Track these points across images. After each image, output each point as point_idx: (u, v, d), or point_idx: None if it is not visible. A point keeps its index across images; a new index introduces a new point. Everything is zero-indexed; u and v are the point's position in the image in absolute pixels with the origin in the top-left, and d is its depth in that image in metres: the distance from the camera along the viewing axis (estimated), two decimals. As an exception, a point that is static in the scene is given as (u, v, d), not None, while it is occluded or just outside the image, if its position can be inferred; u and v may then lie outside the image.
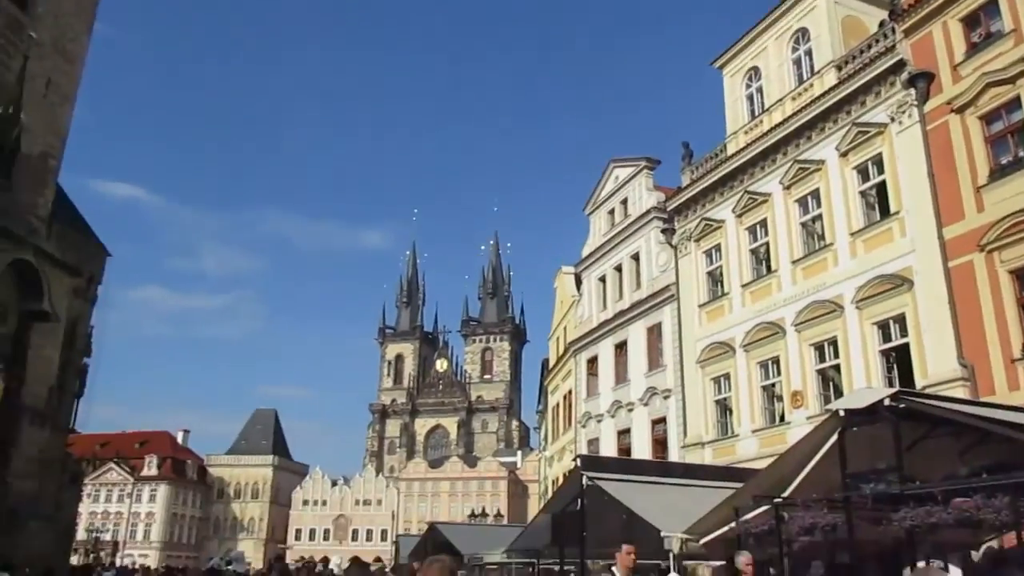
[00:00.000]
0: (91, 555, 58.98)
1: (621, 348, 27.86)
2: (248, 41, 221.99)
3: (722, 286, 22.87)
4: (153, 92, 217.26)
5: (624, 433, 26.88)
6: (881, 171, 17.99)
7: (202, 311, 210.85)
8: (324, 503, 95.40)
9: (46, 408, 27.66)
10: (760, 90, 22.32)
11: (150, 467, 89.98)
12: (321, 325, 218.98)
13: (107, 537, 77.76)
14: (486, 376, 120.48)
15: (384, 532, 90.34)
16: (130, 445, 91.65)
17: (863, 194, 18.53)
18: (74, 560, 42.32)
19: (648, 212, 26.60)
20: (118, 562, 53.90)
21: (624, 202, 28.66)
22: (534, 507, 67.88)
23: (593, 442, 28.54)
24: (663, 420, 24.69)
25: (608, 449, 26.99)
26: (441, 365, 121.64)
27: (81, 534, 56.51)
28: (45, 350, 27.21)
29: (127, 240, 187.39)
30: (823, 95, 19.35)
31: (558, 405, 35.69)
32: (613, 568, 6.99)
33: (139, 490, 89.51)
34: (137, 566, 39.31)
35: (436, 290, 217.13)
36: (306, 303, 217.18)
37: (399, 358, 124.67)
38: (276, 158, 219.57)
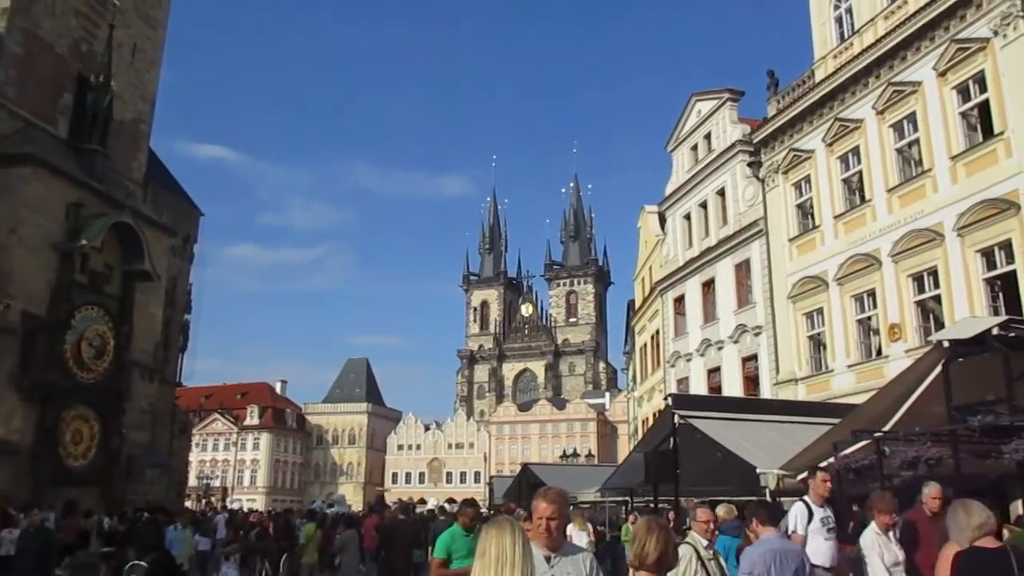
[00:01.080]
0: (202, 500, 62.39)
1: (708, 286, 27.50)
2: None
3: (812, 218, 22.21)
4: (235, 52, 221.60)
5: (714, 372, 26.68)
6: (983, 89, 16.99)
7: (292, 265, 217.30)
8: (418, 447, 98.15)
9: (153, 363, 29.16)
10: (849, 11, 21.26)
11: (252, 417, 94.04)
12: (407, 274, 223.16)
13: (216, 483, 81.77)
14: (571, 319, 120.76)
15: (477, 474, 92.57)
16: (232, 396, 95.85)
17: (964, 115, 17.57)
18: (188, 504, 44.87)
19: (733, 146, 25.91)
20: (228, 506, 56.75)
21: (707, 137, 27.98)
22: (624, 447, 68.30)
23: (683, 381, 28.45)
24: (754, 357, 24.37)
25: (698, 388, 26.86)
26: (526, 310, 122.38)
27: (192, 481, 59.78)
28: (149, 308, 28.56)
29: (219, 200, 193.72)
30: (918, 11, 18.29)
31: (645, 345, 35.60)
32: (805, 497, 6.96)
33: (243, 439, 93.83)
34: (246, 509, 41.32)
35: (518, 235, 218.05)
36: (392, 253, 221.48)
37: (484, 304, 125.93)
38: (358, 111, 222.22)
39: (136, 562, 10.67)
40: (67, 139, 26.23)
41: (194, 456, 64.80)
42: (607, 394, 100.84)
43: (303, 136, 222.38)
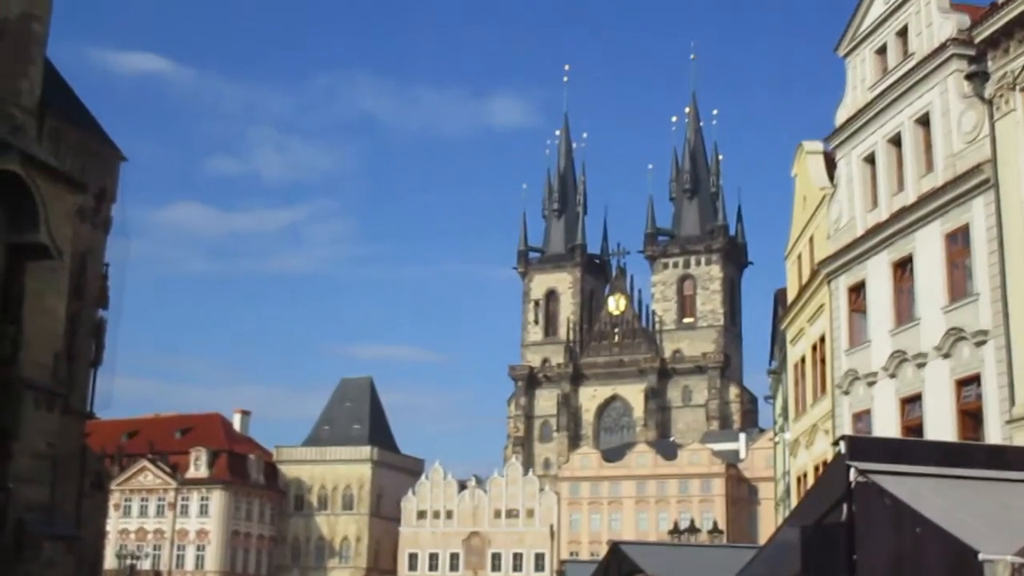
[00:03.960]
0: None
1: (903, 268, 27.16)
2: None
3: (1072, 161, 21.79)
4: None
5: (911, 402, 26.36)
6: None
7: (258, 235, 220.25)
8: (449, 515, 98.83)
9: (53, 383, 29.86)
10: None
11: (198, 466, 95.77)
12: (432, 250, 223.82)
13: (146, 566, 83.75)
14: (687, 320, 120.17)
15: (540, 557, 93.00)
16: (168, 434, 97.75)
17: None
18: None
19: (944, 47, 25.49)
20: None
21: (903, 33, 27.59)
22: (768, 517, 67.84)
23: (862, 417, 28.17)
24: (975, 380, 24.01)
25: (886, 427, 26.58)
26: (616, 304, 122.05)
27: (110, 560, 61.22)
28: (46, 300, 29.25)
29: (149, 137, 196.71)
30: None
31: (803, 361, 35.28)
32: None
33: (185, 499, 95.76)
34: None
35: (602, 189, 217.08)
36: (409, 218, 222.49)
37: (551, 295, 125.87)
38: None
39: None
40: (-76, 46, 26.99)
41: (113, 524, 66.38)
42: (742, 436, 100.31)
43: (274, 35, 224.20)
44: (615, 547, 27.29)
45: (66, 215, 30.07)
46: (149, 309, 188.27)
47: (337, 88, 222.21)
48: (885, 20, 28.20)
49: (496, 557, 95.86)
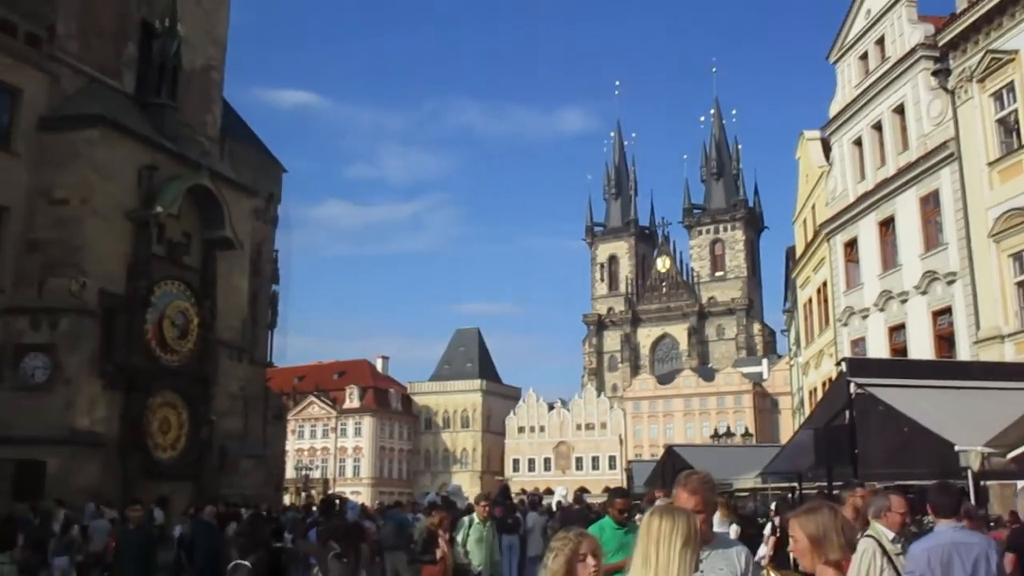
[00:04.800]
0: (302, 493, 65.34)
1: (887, 226, 26.59)
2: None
3: (1019, 136, 21.07)
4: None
5: (897, 330, 25.87)
6: None
7: (389, 224, 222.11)
8: (541, 429, 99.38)
9: (241, 341, 30.59)
10: None
11: (352, 399, 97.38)
12: (521, 228, 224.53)
13: (316, 475, 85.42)
14: (718, 273, 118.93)
15: (612, 459, 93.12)
16: (329, 376, 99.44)
17: None
18: (286, 499, 47.07)
19: (913, 51, 24.76)
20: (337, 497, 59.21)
21: (880, 42, 26.86)
22: (787, 423, 67.12)
23: (858, 343, 27.73)
24: (947, 311, 23.48)
25: (877, 350, 26.13)
26: (663, 264, 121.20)
27: (290, 472, 62.66)
28: (233, 280, 29.89)
29: (303, 153, 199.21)
30: None
31: (810, 301, 34.79)
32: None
33: (343, 424, 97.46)
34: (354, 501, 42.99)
35: (649, 176, 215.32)
36: (502, 204, 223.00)
37: (612, 259, 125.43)
38: (457, 36, 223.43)
39: (239, 561, 11.42)
40: (134, 94, 27.65)
41: (291, 444, 67.78)
42: (764, 361, 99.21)
43: (396, 72, 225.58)
44: (669, 449, 27.21)
45: (244, 215, 30.67)
46: (310, 283, 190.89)
47: (442, 108, 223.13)
48: (866, 32, 27.55)
49: (579, 460, 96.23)
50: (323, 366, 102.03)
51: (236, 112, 35.98)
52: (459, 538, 11.06)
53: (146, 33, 28.27)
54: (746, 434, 74.32)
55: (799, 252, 36.63)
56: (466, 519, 11.54)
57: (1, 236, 24.05)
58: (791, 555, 3.86)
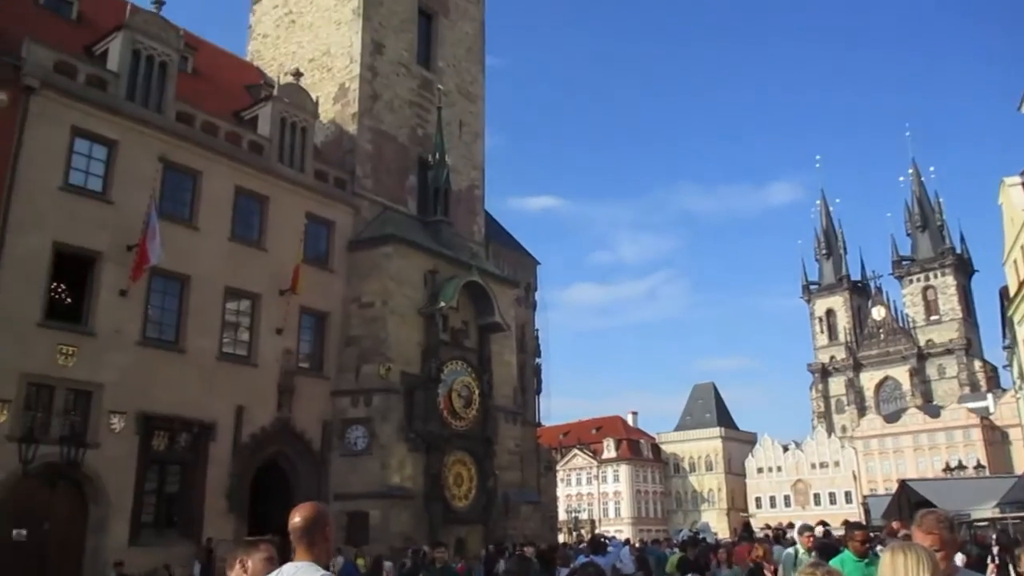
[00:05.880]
0: (573, 532, 65.16)
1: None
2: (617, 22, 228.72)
3: None
4: (547, 112, 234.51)
5: None
6: None
7: (629, 298, 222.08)
8: (779, 469, 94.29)
9: (514, 406, 31.28)
10: None
11: (609, 450, 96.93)
12: (743, 291, 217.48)
13: (584, 516, 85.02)
14: (932, 317, 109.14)
15: (847, 494, 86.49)
16: (588, 432, 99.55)
17: None
18: (560, 538, 47.15)
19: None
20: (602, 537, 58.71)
21: (1072, 87, 24.12)
22: (1020, 454, 59.83)
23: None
24: None
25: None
26: (878, 313, 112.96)
27: (562, 515, 62.78)
28: (504, 356, 30.78)
29: (553, 246, 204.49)
30: None
31: (1030, 336, 31.11)
32: None
33: (603, 472, 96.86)
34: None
35: (856, 235, 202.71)
36: (724, 272, 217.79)
37: (830, 313, 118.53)
38: (674, 134, 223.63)
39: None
40: (417, 215, 29.67)
41: (561, 491, 67.93)
42: (989, 396, 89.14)
43: (622, 171, 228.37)
44: (903, 484, 24.93)
45: (509, 303, 31.64)
46: (566, 353, 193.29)
47: (666, 196, 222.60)
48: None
49: (816, 496, 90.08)
50: (583, 423, 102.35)
51: (496, 219, 37.53)
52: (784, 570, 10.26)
53: (422, 167, 30.40)
54: (978, 466, 66.84)
55: (1012, 291, 33.01)
56: (791, 550, 10.68)
57: (327, 336, 26.26)
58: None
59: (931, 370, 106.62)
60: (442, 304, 26.73)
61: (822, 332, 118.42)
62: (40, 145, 19.92)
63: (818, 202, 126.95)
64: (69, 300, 21.16)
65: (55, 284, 20.53)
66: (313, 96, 27.83)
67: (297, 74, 28.32)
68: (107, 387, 20.15)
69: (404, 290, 26.61)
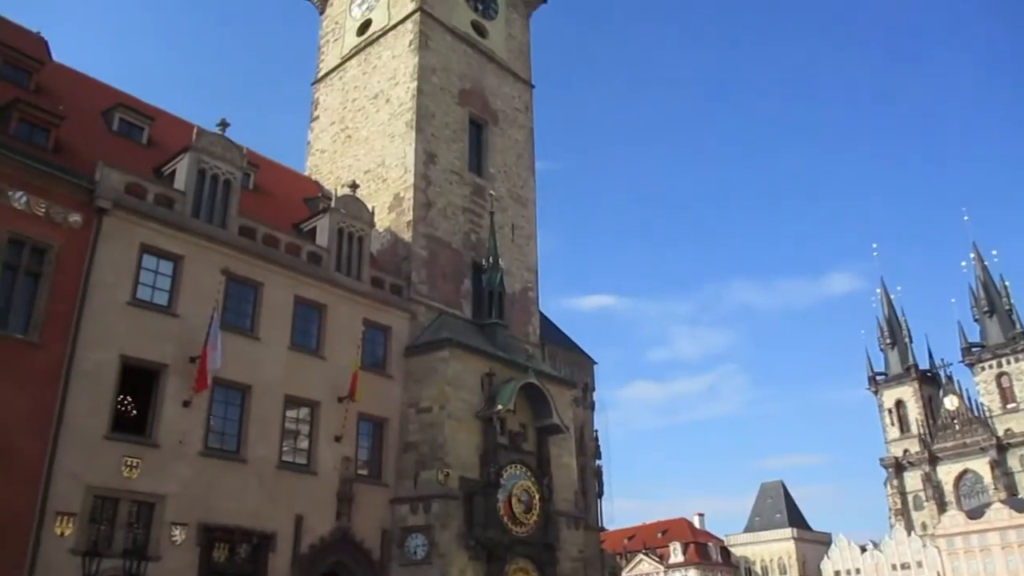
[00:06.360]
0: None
1: None
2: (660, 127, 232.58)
3: None
4: (598, 207, 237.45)
5: None
6: None
7: (688, 395, 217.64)
8: (857, 571, 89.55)
9: (576, 510, 30.48)
10: None
11: (676, 554, 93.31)
12: (806, 385, 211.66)
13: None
14: (1008, 405, 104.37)
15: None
16: (653, 535, 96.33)
17: None
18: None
19: None
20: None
21: None
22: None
23: None
24: None
25: None
26: (951, 403, 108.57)
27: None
28: (563, 459, 30.20)
29: (608, 345, 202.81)
30: None
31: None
32: None
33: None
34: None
35: (920, 323, 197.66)
36: (785, 366, 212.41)
37: (899, 404, 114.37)
38: (716, 231, 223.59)
39: None
40: (472, 318, 29.88)
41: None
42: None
43: (675, 267, 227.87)
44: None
45: (567, 404, 31.27)
46: (627, 454, 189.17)
47: (722, 291, 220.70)
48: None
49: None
50: (647, 526, 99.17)
51: (550, 320, 37.54)
52: None
53: (476, 271, 30.81)
54: (1076, 563, 62.65)
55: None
56: None
57: (385, 442, 26.19)
58: None
59: (1013, 461, 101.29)
60: (499, 407, 26.54)
61: (893, 424, 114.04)
62: (110, 262, 20.76)
63: (878, 290, 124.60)
64: (134, 412, 21.59)
65: (121, 396, 20.99)
66: (369, 206, 28.65)
67: (353, 186, 29.23)
68: (169, 498, 20.30)
69: (461, 394, 26.53)
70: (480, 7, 36.50)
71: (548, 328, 36.00)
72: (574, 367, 35.75)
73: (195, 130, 24.11)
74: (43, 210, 19.76)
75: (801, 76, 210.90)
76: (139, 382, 21.15)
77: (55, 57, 27.30)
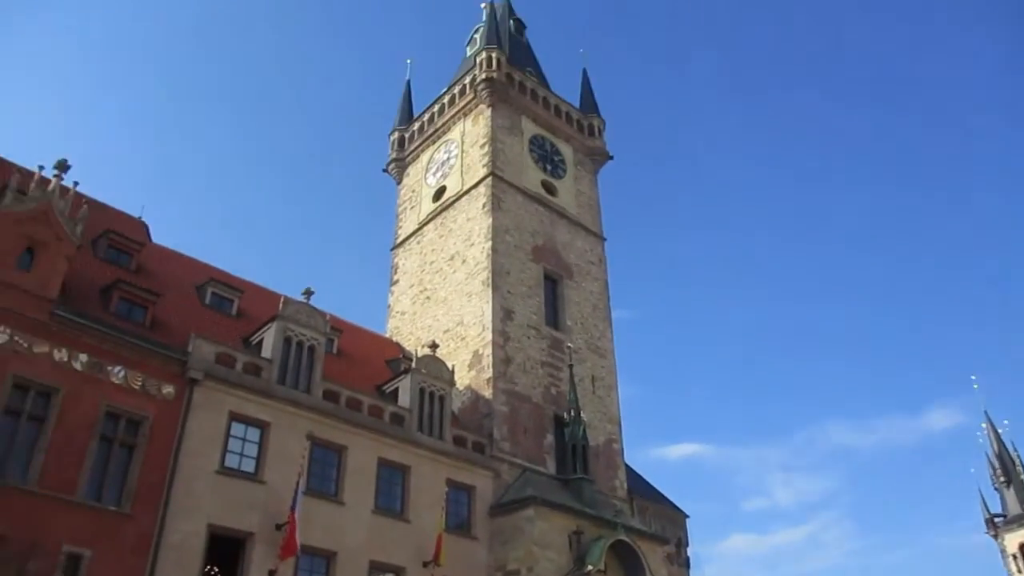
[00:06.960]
0: None
1: None
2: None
3: None
4: (679, 354, 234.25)
5: None
6: None
7: (790, 547, 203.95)
8: None
9: None
10: None
11: None
12: (915, 529, 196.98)
13: None
14: None
15: None
16: None
17: None
18: None
19: None
20: None
21: None
22: None
23: None
24: None
25: None
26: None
27: None
28: (660, 622, 28.37)
29: (700, 497, 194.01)
30: None
31: None
32: None
33: None
34: None
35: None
36: (892, 509, 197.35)
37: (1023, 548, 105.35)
38: (805, 373, 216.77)
39: None
40: (556, 474, 29.13)
41: None
42: None
43: (764, 412, 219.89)
44: None
45: (660, 561, 29.76)
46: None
47: (815, 435, 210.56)
48: None
49: None
50: None
51: (637, 472, 36.36)
52: None
53: (558, 424, 30.36)
54: None
55: None
56: None
57: (471, 608, 25.16)
58: None
59: None
60: (589, 568, 25.37)
61: (1019, 572, 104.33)
62: (200, 432, 21.23)
63: (983, 425, 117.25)
64: (220, 582, 21.34)
65: (208, 567, 20.86)
66: (449, 365, 28.89)
67: (433, 346, 29.64)
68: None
69: (548, 554, 25.53)
70: (549, 167, 37.89)
71: (635, 481, 34.82)
72: (665, 521, 34.20)
73: (282, 299, 25.08)
74: (139, 383, 20.55)
75: (842, 221, 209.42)
76: (225, 551, 21.05)
77: (155, 238, 29.16)
